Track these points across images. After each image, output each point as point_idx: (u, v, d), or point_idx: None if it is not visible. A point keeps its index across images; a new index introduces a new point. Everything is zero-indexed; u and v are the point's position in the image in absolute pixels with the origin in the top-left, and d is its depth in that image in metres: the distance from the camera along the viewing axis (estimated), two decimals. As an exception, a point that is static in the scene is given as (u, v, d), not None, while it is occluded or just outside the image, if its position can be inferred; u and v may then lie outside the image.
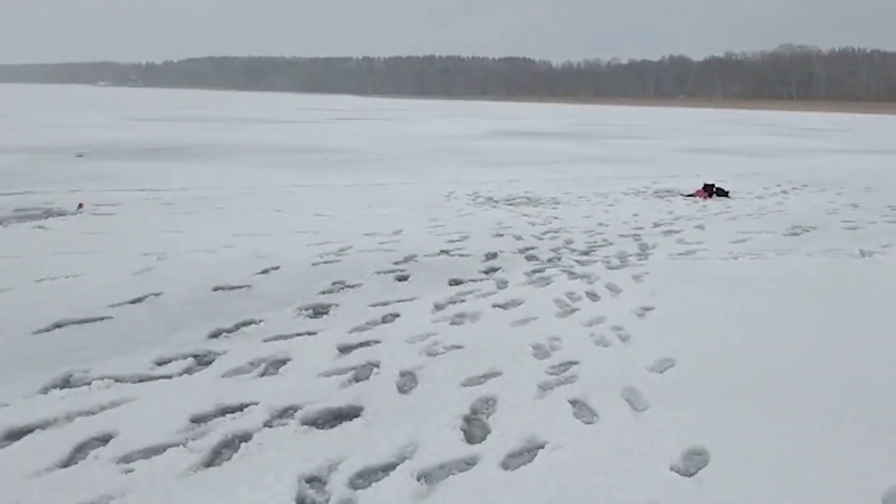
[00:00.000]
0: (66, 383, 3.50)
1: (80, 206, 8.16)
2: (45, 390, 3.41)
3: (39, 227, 7.18)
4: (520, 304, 4.99)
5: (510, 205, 9.72)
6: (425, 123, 34.20)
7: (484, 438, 3.03)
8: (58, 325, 4.32)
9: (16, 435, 2.98)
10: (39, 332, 4.21)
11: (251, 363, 3.82)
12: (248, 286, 5.28)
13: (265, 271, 5.72)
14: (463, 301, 5.05)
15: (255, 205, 9.05)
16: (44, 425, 3.06)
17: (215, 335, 4.25)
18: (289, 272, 5.70)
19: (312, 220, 8.06)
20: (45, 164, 12.42)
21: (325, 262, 6.09)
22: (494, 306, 4.93)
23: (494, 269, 6.04)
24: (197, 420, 3.13)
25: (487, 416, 3.24)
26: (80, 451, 2.87)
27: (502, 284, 5.55)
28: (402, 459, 2.84)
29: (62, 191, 9.34)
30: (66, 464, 2.77)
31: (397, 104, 75.27)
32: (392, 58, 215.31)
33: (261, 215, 8.32)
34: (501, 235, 7.50)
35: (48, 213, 7.85)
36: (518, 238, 7.38)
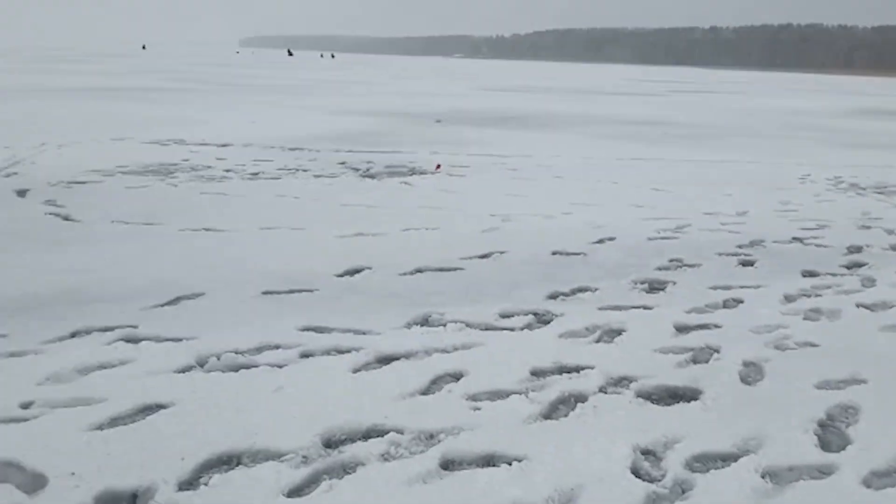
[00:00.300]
0: (425, 322, 3.92)
1: (438, 166, 9.02)
2: (409, 326, 3.86)
3: (405, 182, 8.11)
4: (891, 308, 4.35)
5: (881, 193, 8.48)
6: (776, 98, 31.28)
7: (843, 448, 2.72)
8: (419, 271, 4.85)
9: (385, 360, 3.42)
10: (404, 274, 4.77)
11: (587, 328, 3.89)
12: (585, 254, 5.38)
13: (601, 241, 5.76)
14: (819, 295, 4.56)
15: (592, 175, 9.14)
16: (407, 356, 3.46)
17: (553, 297, 4.42)
18: (624, 244, 5.68)
19: (649, 194, 7.91)
20: (410, 127, 13.93)
21: (662, 238, 5.94)
22: (858, 306, 4.36)
23: (859, 265, 5.34)
24: (536, 373, 3.30)
25: (847, 426, 2.90)
26: (435, 382, 3.20)
27: (868, 282, 4.89)
28: (745, 452, 2.67)
29: (423, 152, 10.40)
30: (425, 392, 3.11)
31: (745, 77, 69.87)
32: (742, 27, 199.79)
33: (598, 186, 8.38)
34: (868, 227, 6.59)
35: (412, 171, 8.81)
36: (890, 232, 6.42)
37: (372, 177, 8.37)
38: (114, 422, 2.77)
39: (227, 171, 8.26)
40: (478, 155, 10.45)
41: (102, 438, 2.65)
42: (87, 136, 10.36)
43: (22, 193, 6.68)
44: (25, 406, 2.87)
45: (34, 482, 2.40)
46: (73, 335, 3.57)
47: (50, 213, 5.98)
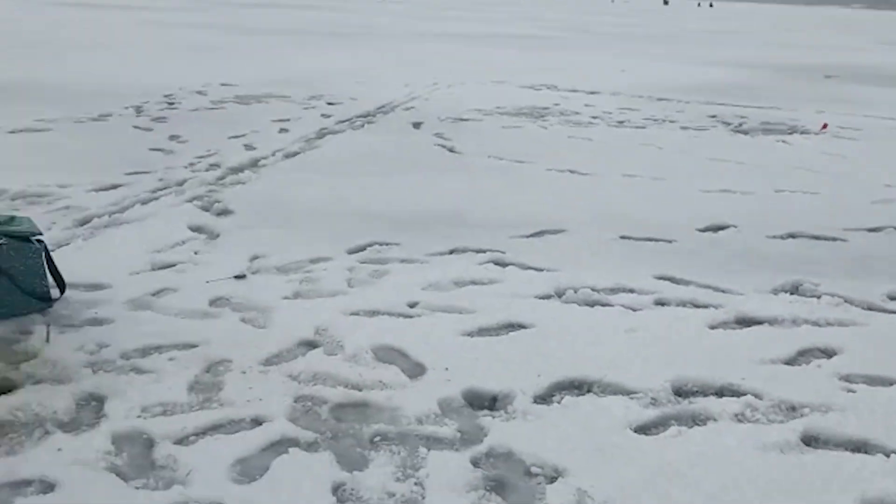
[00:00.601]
0: (794, 290, 3.59)
1: (825, 126, 8.06)
2: (775, 291, 3.58)
3: (782, 141, 7.42)
4: None
5: None
6: None
7: None
8: (791, 236, 4.45)
9: (746, 322, 3.24)
10: (773, 237, 4.42)
11: None
12: None
13: None
14: None
15: None
16: (771, 322, 3.23)
17: (962, 286, 3.73)
18: None
19: None
20: (793, 82, 12.62)
21: None
22: None
23: None
24: (931, 368, 2.84)
25: None
26: (802, 355, 2.94)
27: None
28: None
29: (807, 110, 9.36)
30: (789, 362, 2.88)
31: None
32: None
33: None
34: None
35: (792, 130, 8.01)
36: None
37: (744, 132, 7.81)
38: (482, 331, 3.07)
39: (594, 117, 8.39)
40: (875, 117, 9.10)
41: (471, 344, 2.96)
42: (472, 79, 11.30)
43: (417, 126, 7.58)
44: (412, 305, 3.32)
45: (415, 369, 2.78)
46: (451, 252, 4.00)
47: (438, 145, 6.71)
